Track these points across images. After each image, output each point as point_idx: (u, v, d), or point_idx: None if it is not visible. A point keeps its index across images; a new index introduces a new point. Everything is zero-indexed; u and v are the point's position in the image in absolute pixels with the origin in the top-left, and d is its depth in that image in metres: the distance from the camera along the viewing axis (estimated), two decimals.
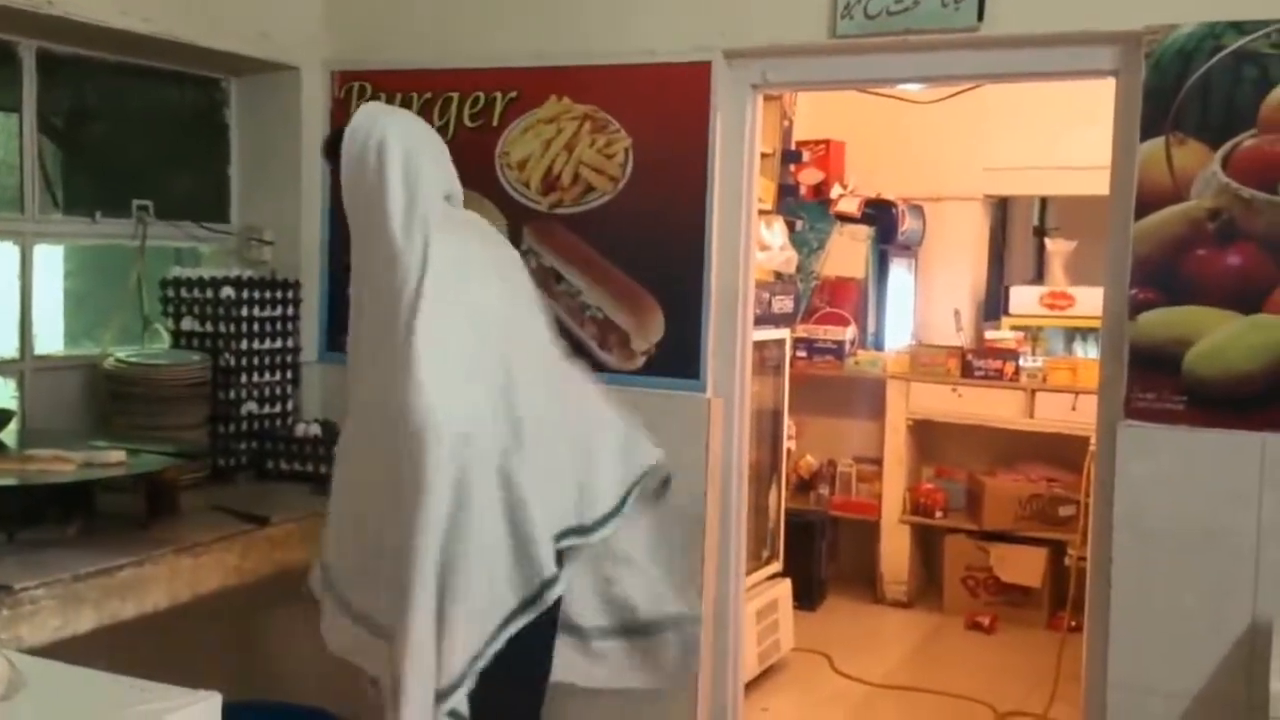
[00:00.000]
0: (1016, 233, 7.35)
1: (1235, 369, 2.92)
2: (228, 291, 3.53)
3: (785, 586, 5.03)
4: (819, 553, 5.71)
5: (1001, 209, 7.06)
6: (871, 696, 4.75)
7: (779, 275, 5.09)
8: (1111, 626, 3.04)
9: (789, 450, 5.47)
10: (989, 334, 6.26)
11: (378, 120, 2.60)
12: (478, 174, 3.51)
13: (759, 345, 4.24)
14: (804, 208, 5.73)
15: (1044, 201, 7.34)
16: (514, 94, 3.67)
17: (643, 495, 2.71)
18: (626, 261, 3.55)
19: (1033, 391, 5.62)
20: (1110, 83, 3.15)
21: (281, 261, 3.87)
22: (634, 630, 2.74)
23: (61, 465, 2.71)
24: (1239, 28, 2.88)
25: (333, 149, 2.64)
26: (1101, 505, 3.15)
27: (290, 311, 3.68)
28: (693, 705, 3.51)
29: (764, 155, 4.18)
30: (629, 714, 3.50)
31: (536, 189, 3.65)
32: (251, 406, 3.56)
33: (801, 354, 5.88)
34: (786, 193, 5.33)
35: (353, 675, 2.63)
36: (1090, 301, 5.06)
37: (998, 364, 5.68)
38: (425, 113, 3.62)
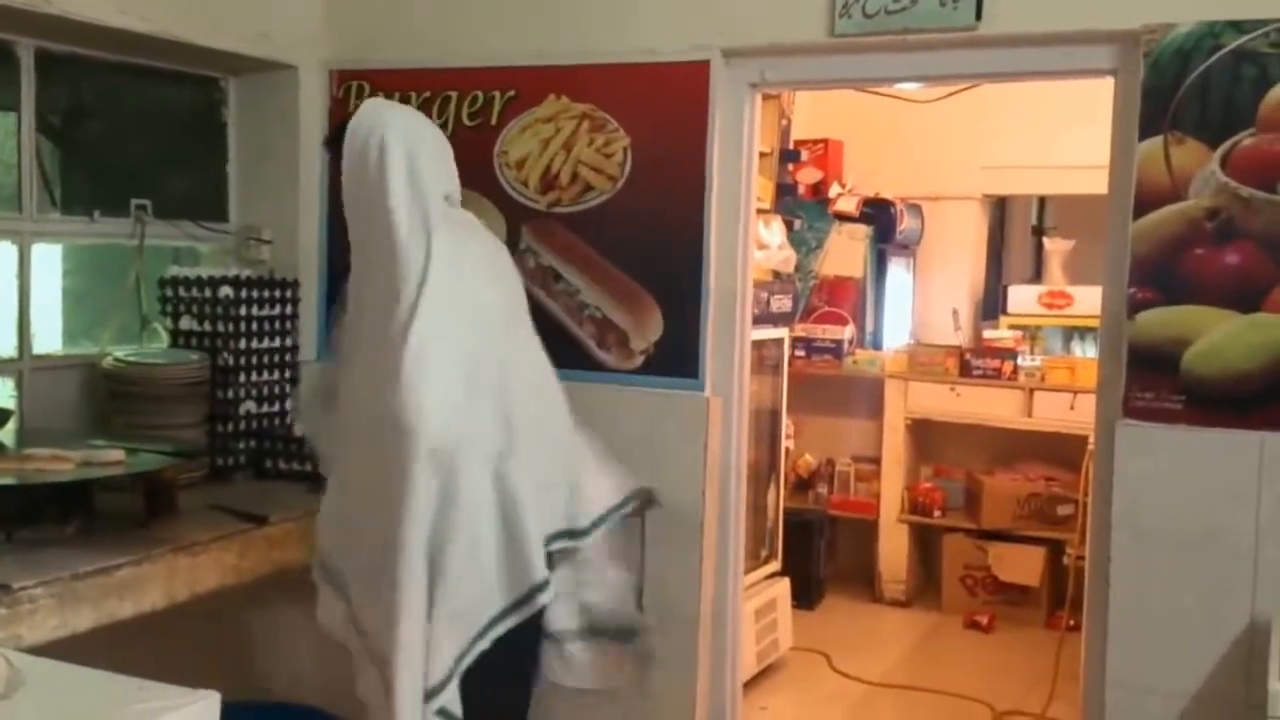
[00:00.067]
0: (1015, 232, 7.35)
1: (1234, 368, 2.92)
2: (226, 291, 3.52)
3: (784, 585, 5.03)
4: (817, 552, 5.71)
5: (1000, 208, 7.06)
6: (870, 695, 4.75)
7: (777, 274, 5.09)
8: (1110, 625, 3.04)
9: (787, 449, 5.47)
10: (987, 333, 6.26)
11: (380, 115, 2.59)
12: (476, 173, 3.51)
13: (757, 344, 4.24)
14: (802, 207, 5.73)
15: (1042, 201, 7.35)
16: (512, 93, 3.67)
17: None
18: (625, 260, 3.55)
19: (1031, 391, 5.62)
20: (1109, 82, 3.16)
21: (280, 261, 3.87)
22: (600, 633, 2.74)
23: (60, 464, 2.71)
24: (1237, 27, 2.88)
25: (335, 142, 2.63)
26: (1100, 504, 3.15)
27: (288, 311, 3.68)
28: (691, 704, 3.52)
29: (762, 154, 4.19)
30: (626, 714, 3.50)
31: (535, 188, 3.65)
32: (250, 406, 3.56)
33: (800, 353, 5.88)
34: (785, 192, 5.34)
35: (351, 675, 2.63)
36: (1088, 301, 5.06)
37: (996, 363, 5.68)
38: (423, 111, 3.60)
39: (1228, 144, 2.90)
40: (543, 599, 2.49)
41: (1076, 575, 4.26)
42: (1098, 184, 3.23)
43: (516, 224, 3.66)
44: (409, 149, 2.52)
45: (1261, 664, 2.68)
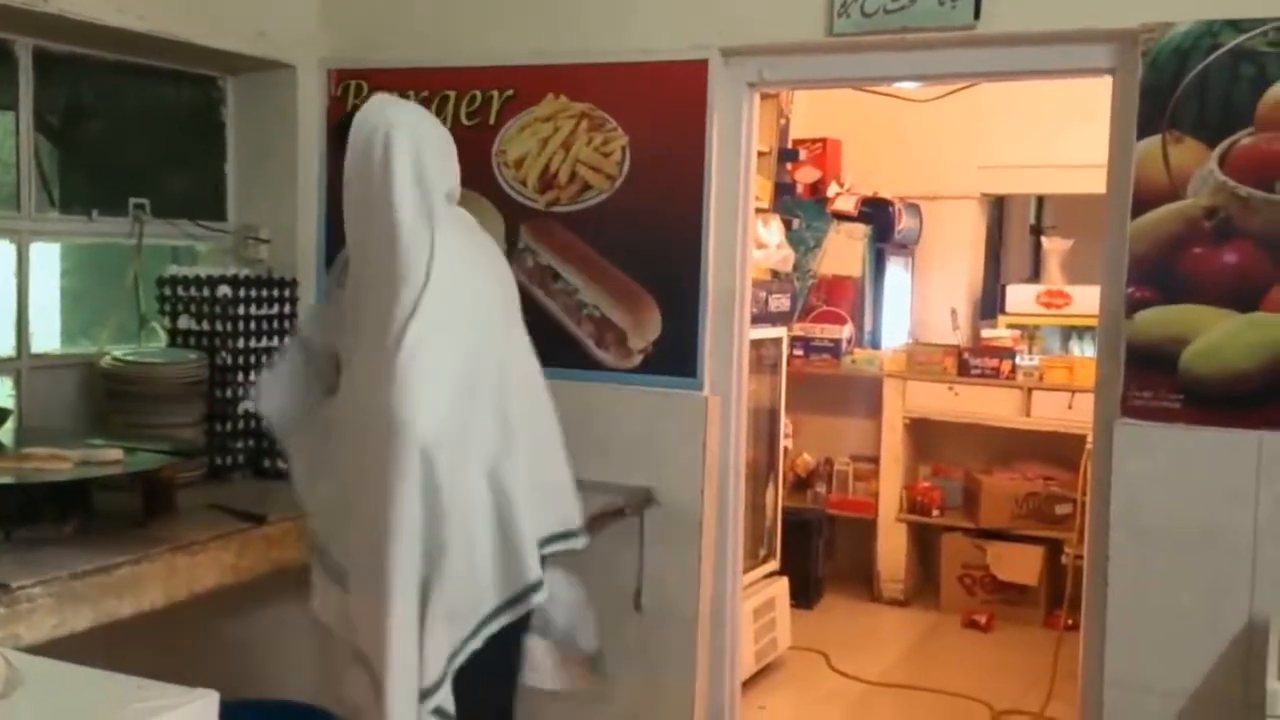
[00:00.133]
0: (1013, 231, 7.35)
1: (1232, 367, 2.92)
2: (224, 290, 3.52)
3: (782, 585, 5.04)
4: (816, 551, 5.71)
5: (998, 207, 7.06)
6: (868, 695, 4.75)
7: (776, 274, 5.09)
8: (1108, 624, 3.04)
9: (786, 449, 5.47)
10: (986, 332, 6.27)
11: (386, 112, 2.58)
12: (474, 172, 3.49)
13: (756, 344, 4.24)
14: (801, 206, 5.73)
15: (1041, 200, 7.35)
16: (511, 92, 3.67)
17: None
18: (623, 260, 3.56)
19: (1029, 390, 5.62)
20: (1107, 81, 3.16)
21: (278, 260, 3.87)
22: (549, 634, 2.74)
23: (58, 464, 2.71)
24: (1236, 26, 2.88)
25: (340, 135, 2.62)
26: (1098, 503, 3.15)
27: (287, 310, 3.67)
28: (690, 703, 3.52)
29: (761, 153, 4.19)
30: (626, 713, 3.51)
31: (533, 187, 3.65)
32: (248, 405, 3.55)
33: (798, 352, 5.88)
34: (783, 191, 5.34)
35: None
36: (1087, 300, 5.06)
37: (994, 362, 5.69)
38: None
39: (1226, 143, 2.90)
40: (536, 599, 2.49)
41: (1075, 574, 4.26)
42: (1096, 183, 3.23)
43: (515, 223, 3.66)
44: (415, 147, 2.51)
45: (1260, 663, 2.69)
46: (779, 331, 5.14)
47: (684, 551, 3.48)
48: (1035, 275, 6.82)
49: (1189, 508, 2.95)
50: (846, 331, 6.06)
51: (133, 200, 3.65)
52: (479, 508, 2.43)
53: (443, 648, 2.38)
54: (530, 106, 3.65)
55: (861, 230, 6.18)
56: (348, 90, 3.87)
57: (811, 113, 5.83)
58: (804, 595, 5.47)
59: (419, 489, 2.35)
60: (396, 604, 2.34)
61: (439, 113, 3.70)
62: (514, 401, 2.52)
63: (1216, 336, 2.93)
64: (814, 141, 5.90)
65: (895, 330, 6.59)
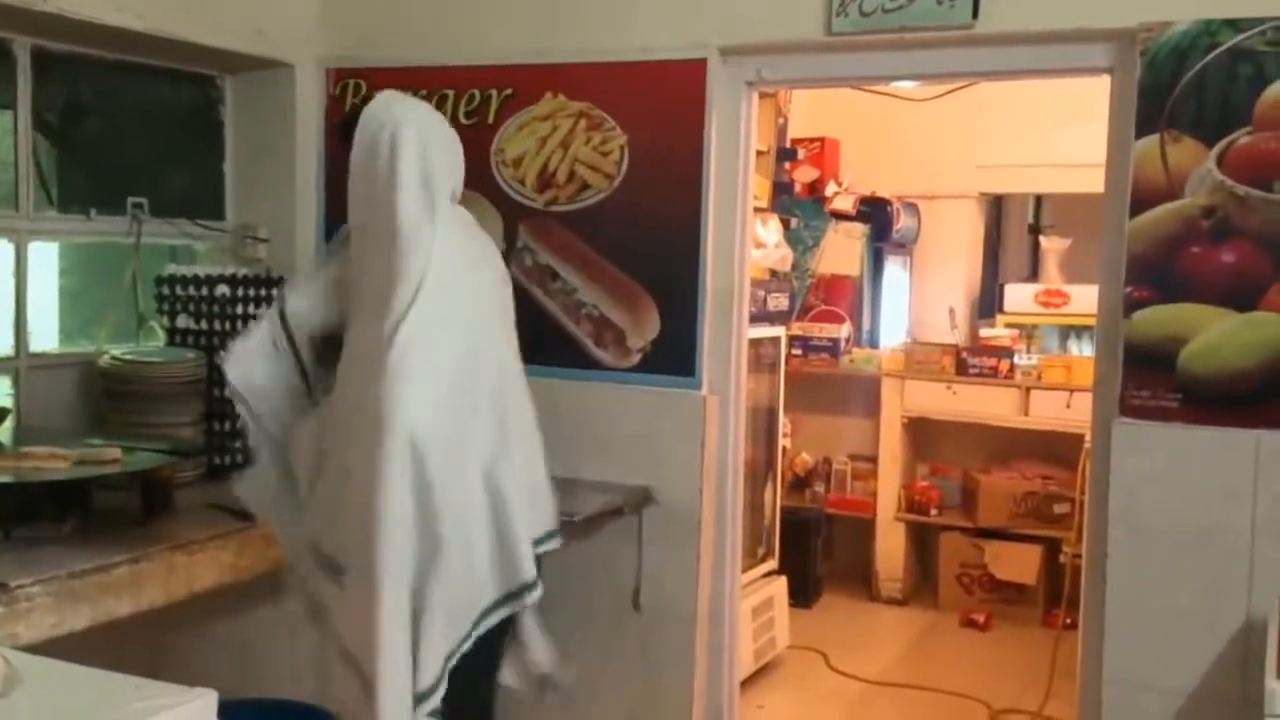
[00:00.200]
0: (1011, 230, 7.34)
1: (1230, 366, 2.93)
2: (223, 289, 3.52)
3: (780, 584, 5.04)
4: (814, 550, 5.71)
5: (996, 207, 7.05)
6: (867, 694, 4.75)
7: (774, 273, 5.09)
8: (1106, 623, 3.05)
9: (784, 448, 5.47)
10: (984, 332, 6.26)
11: (393, 109, 2.58)
12: (473, 172, 3.46)
13: (754, 343, 4.24)
14: (799, 205, 5.73)
15: (1039, 199, 7.34)
16: (509, 91, 3.67)
17: None
18: (622, 259, 3.55)
19: (1027, 389, 5.62)
20: (1105, 80, 3.16)
21: (276, 259, 3.87)
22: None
23: (57, 463, 2.71)
24: (1234, 25, 2.88)
25: (344, 133, 2.62)
26: (1096, 502, 3.15)
27: None
28: (689, 702, 3.52)
29: (759, 153, 4.19)
30: (624, 712, 3.51)
31: (532, 186, 3.65)
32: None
33: (797, 352, 5.88)
34: (782, 190, 5.34)
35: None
36: (1085, 299, 5.06)
37: (993, 362, 5.68)
38: None
39: (1224, 142, 2.91)
40: (530, 598, 2.49)
41: (1073, 573, 4.26)
42: (1094, 183, 3.23)
43: (513, 222, 3.66)
44: (422, 145, 2.51)
45: (1258, 662, 2.68)
46: (777, 331, 5.14)
47: (682, 551, 3.48)
48: (1033, 275, 6.82)
49: (1187, 507, 2.95)
50: (845, 331, 6.06)
51: (131, 199, 3.65)
52: (476, 507, 2.43)
53: (440, 649, 2.38)
54: (529, 105, 3.65)
55: (860, 229, 6.18)
56: (346, 89, 3.87)
57: (810, 112, 5.83)
58: (802, 594, 5.48)
59: (409, 482, 2.35)
60: (387, 599, 2.33)
61: (437, 111, 3.70)
62: (513, 402, 2.53)
63: (1214, 336, 2.93)
64: (812, 141, 5.90)
65: (893, 329, 6.59)
